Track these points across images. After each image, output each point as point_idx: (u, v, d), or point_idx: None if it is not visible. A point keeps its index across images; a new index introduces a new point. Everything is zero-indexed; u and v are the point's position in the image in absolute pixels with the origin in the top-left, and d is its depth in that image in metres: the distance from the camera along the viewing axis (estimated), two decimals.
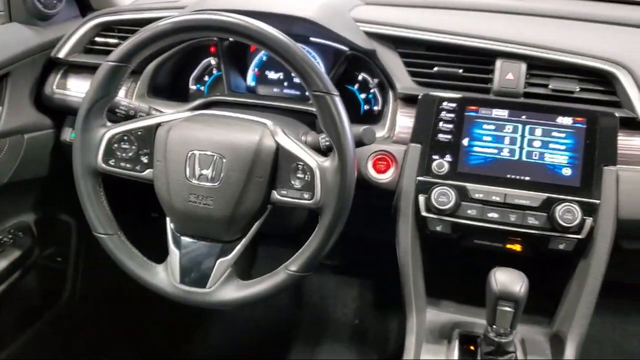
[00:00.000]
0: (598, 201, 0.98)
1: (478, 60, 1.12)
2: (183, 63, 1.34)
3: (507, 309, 0.90)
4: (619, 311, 1.85)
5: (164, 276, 1.00)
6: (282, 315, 1.97)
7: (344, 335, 1.91)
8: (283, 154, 0.94)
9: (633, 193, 1.00)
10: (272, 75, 1.32)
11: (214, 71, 1.33)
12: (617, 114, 1.02)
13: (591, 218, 0.98)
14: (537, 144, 1.02)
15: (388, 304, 1.92)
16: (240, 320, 1.95)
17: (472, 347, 1.03)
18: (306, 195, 0.93)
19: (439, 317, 1.10)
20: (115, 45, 1.13)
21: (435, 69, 1.12)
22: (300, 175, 0.93)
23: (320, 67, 1.21)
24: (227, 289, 0.98)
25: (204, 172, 0.94)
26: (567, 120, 1.02)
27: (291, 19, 1.11)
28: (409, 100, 1.12)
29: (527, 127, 1.03)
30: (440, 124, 1.06)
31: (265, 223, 0.99)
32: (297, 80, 1.30)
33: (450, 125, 1.06)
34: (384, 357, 1.82)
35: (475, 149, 1.04)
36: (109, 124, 1.01)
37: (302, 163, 0.93)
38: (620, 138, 1.02)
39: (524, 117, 1.04)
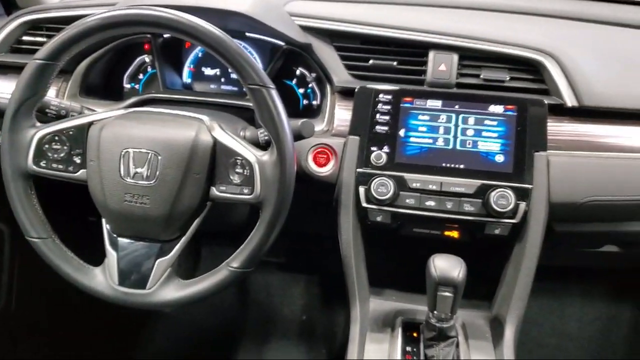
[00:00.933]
0: (530, 186, 1.01)
1: (412, 53, 1.13)
2: (116, 61, 1.30)
3: (447, 294, 0.92)
4: (556, 294, 1.92)
5: (102, 279, 0.98)
6: (228, 316, 1.95)
7: (291, 332, 1.91)
8: (221, 149, 0.93)
9: (563, 177, 1.03)
10: (208, 71, 1.30)
11: (149, 69, 1.31)
12: (546, 101, 1.06)
13: (524, 203, 1.01)
14: (470, 132, 1.05)
15: (335, 298, 1.93)
16: (185, 323, 1.92)
17: (415, 334, 1.04)
18: (246, 190, 0.92)
19: (382, 306, 1.11)
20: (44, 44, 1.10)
21: (371, 61, 1.13)
22: (239, 170, 0.92)
23: (257, 62, 1.20)
24: (167, 289, 0.96)
25: (139, 170, 0.92)
26: (498, 109, 1.05)
27: (226, 14, 1.09)
28: (347, 93, 1.13)
29: (461, 116, 1.06)
30: (377, 116, 1.07)
31: (205, 220, 0.98)
32: (234, 76, 1.29)
33: (387, 117, 1.07)
34: (333, 350, 1.83)
35: (412, 139, 1.06)
36: (38, 124, 0.98)
37: (240, 158, 0.92)
38: (549, 124, 1.05)
39: (457, 106, 1.06)
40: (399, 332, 1.04)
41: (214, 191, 0.94)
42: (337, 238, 1.12)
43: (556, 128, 1.07)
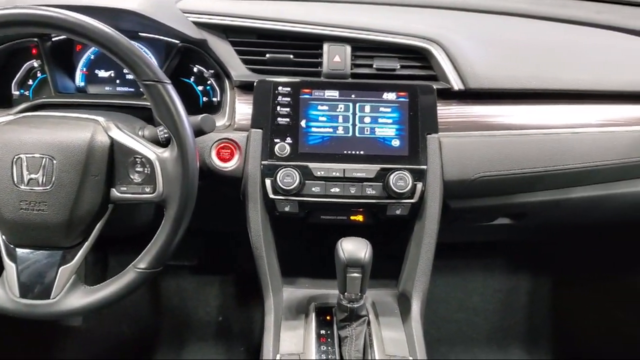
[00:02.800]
0: (425, 167, 1.07)
1: (307, 46, 1.16)
2: (2, 67, 1.24)
3: (356, 274, 0.95)
4: (459, 271, 2.03)
5: (2, 292, 0.93)
6: (142, 325, 1.91)
7: (208, 334, 1.89)
8: (119, 149, 0.91)
9: (454, 156, 1.10)
10: (102, 73, 1.26)
11: (39, 74, 1.25)
12: (434, 87, 1.12)
13: (421, 183, 1.07)
14: (367, 120, 1.09)
15: (251, 296, 1.93)
16: (98, 336, 1.86)
17: (328, 317, 1.07)
18: (148, 189, 0.91)
19: (295, 295, 1.13)
20: None
21: (268, 55, 1.15)
22: (139, 169, 0.91)
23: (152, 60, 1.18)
24: (73, 297, 0.93)
25: (34, 176, 0.88)
26: (391, 96, 1.10)
27: (116, 12, 1.07)
28: (246, 87, 1.14)
29: (357, 105, 1.10)
30: (278, 108, 1.09)
31: (108, 224, 0.96)
32: (129, 77, 1.26)
33: (287, 109, 1.09)
34: (251, 347, 1.84)
35: (313, 129, 1.09)
36: None
37: (139, 156, 0.91)
38: (439, 108, 1.12)
39: (353, 95, 1.11)
40: (313, 317, 1.07)
41: (115, 192, 0.92)
42: (247, 233, 1.13)
43: (446, 111, 1.13)
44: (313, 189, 1.06)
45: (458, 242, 1.74)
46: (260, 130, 1.09)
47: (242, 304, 1.93)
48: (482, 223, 1.32)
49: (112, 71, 1.27)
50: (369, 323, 1.04)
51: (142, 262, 0.93)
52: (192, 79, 1.25)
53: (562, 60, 1.22)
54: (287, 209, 1.07)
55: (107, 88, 1.27)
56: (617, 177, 1.22)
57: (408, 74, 1.15)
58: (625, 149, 1.17)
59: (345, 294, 0.98)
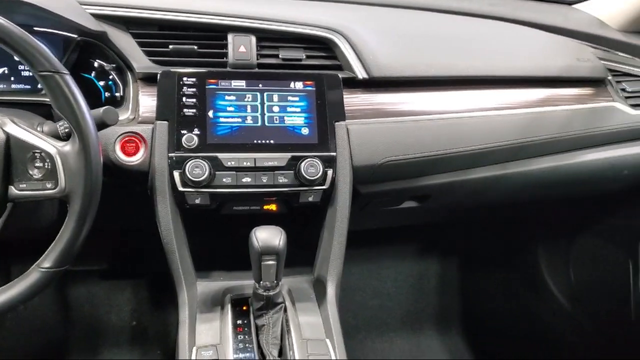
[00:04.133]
0: (334, 153, 1.09)
1: (211, 36, 1.16)
2: None
3: (270, 262, 0.96)
4: (373, 259, 2.09)
5: None
6: (52, 337, 1.82)
7: (123, 340, 1.83)
8: (15, 145, 0.87)
9: (362, 143, 1.13)
10: None
11: None
12: (340, 76, 1.15)
13: (331, 169, 1.09)
14: (276, 109, 1.10)
15: (165, 297, 1.89)
16: (7, 349, 1.75)
17: (244, 308, 1.07)
18: (49, 185, 0.87)
19: (210, 288, 1.12)
20: None
21: (171, 47, 1.13)
22: (38, 164, 0.87)
23: None
24: None
25: None
26: (298, 85, 1.12)
27: (7, 4, 1.02)
28: (150, 79, 1.11)
29: (265, 94, 1.11)
30: (184, 99, 1.08)
31: (9, 226, 0.91)
32: (25, 73, 1.19)
33: (194, 100, 1.08)
34: (168, 349, 1.80)
35: (221, 119, 1.08)
36: None
37: (38, 151, 0.86)
38: (346, 96, 1.15)
39: (260, 85, 1.11)
40: (229, 308, 1.06)
41: (13, 190, 0.87)
42: (158, 230, 1.11)
43: (352, 99, 1.16)
44: (224, 179, 1.05)
45: (370, 230, 1.78)
46: (165, 122, 1.06)
47: (156, 307, 1.88)
48: (391, 207, 1.37)
49: (6, 68, 1.19)
50: (285, 310, 1.05)
51: (46, 261, 0.88)
52: (92, 74, 1.20)
53: (458, 49, 1.30)
54: (197, 201, 1.06)
55: (1, 86, 1.20)
56: (510, 158, 1.30)
57: (314, 64, 1.17)
58: (517, 130, 1.25)
59: (261, 282, 0.99)
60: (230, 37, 1.15)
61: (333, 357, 0.99)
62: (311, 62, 1.17)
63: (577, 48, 1.43)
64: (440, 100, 1.22)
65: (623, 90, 1.39)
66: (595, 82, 1.38)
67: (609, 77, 1.39)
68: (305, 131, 1.10)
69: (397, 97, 1.20)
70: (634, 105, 1.37)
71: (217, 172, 1.05)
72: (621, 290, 1.63)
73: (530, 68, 1.31)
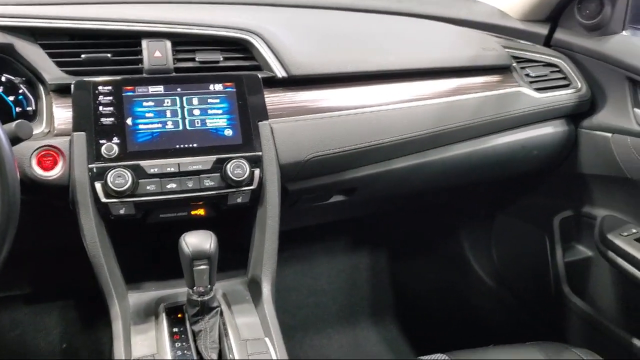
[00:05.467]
0: (260, 153, 1.10)
1: (125, 43, 1.13)
2: None
3: (203, 266, 0.95)
4: (306, 257, 2.11)
5: None
6: None
7: None
8: None
9: (287, 140, 1.14)
10: None
11: None
12: (259, 75, 1.15)
13: (258, 169, 1.09)
14: (196, 112, 1.09)
15: (96, 317, 1.83)
16: None
17: (179, 315, 1.06)
18: None
19: (142, 299, 1.10)
20: None
21: (83, 56, 1.10)
22: None
23: None
24: None
25: None
26: (218, 87, 1.12)
27: None
28: (64, 90, 1.07)
29: (184, 98, 1.09)
30: (100, 108, 1.05)
31: None
32: None
33: (111, 108, 1.05)
34: None
35: (141, 126, 1.06)
36: None
37: None
38: (267, 95, 1.15)
39: (179, 89, 1.10)
40: (163, 317, 1.04)
41: None
42: (84, 245, 1.07)
43: (274, 98, 1.17)
44: (148, 187, 1.03)
45: (301, 228, 1.80)
46: (83, 133, 1.03)
47: (87, 326, 1.82)
48: (320, 202, 1.39)
49: None
50: (221, 313, 1.05)
51: None
52: (0, 90, 1.15)
53: (372, 46, 1.34)
54: (122, 211, 1.03)
55: None
56: (429, 146, 1.35)
57: (232, 65, 1.17)
58: (433, 120, 1.31)
59: (194, 288, 0.98)
60: (144, 43, 1.13)
61: (273, 356, 1.00)
62: (229, 64, 1.17)
63: (482, 38, 1.50)
64: (360, 95, 1.26)
65: (527, 75, 1.48)
66: (501, 70, 1.46)
67: (514, 64, 1.47)
68: (228, 132, 1.10)
69: (318, 94, 1.22)
70: (538, 89, 1.46)
71: (140, 180, 1.03)
72: (540, 266, 1.73)
73: (440, 60, 1.37)
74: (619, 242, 1.39)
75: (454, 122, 1.34)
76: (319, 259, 2.13)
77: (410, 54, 1.34)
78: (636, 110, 1.39)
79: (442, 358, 1.23)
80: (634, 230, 1.41)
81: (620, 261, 1.37)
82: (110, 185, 1.00)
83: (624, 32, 1.46)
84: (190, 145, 1.07)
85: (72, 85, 1.05)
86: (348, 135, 1.21)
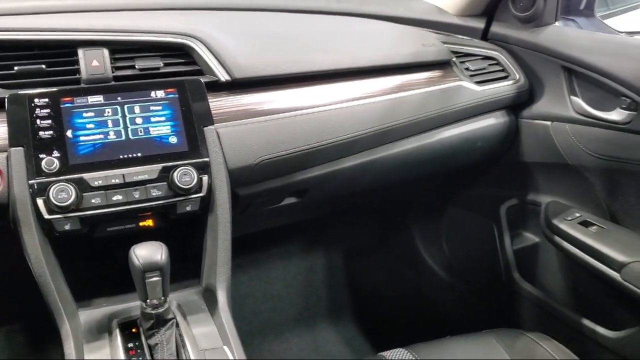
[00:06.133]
0: (207, 159, 1.08)
1: (60, 54, 1.10)
2: None
3: (155, 278, 0.93)
4: (261, 263, 2.09)
5: None
6: None
7: None
8: None
9: (234, 145, 1.13)
10: None
11: None
12: (202, 80, 1.13)
13: (207, 175, 1.07)
14: (139, 120, 1.07)
15: (46, 339, 1.76)
16: None
17: (134, 330, 1.03)
18: None
19: (93, 316, 1.06)
20: None
21: (16, 68, 1.06)
22: None
23: None
24: None
25: None
26: (160, 94, 1.09)
27: None
28: None
29: (126, 107, 1.06)
30: (38, 121, 1.01)
31: None
32: None
33: (49, 121, 1.01)
34: None
35: (82, 138, 1.02)
36: None
37: None
38: (211, 100, 1.13)
39: (119, 98, 1.07)
40: (117, 333, 1.01)
41: None
42: (28, 265, 1.03)
43: (219, 103, 1.16)
44: (93, 200, 1.00)
45: (255, 233, 1.78)
46: (21, 148, 0.99)
47: (36, 350, 1.75)
48: (272, 206, 1.38)
49: None
50: (177, 325, 1.02)
51: None
52: None
53: (315, 46, 1.34)
54: (67, 227, 1.00)
55: None
56: (377, 143, 1.36)
57: (173, 71, 1.15)
58: (380, 117, 1.32)
59: (148, 300, 0.95)
60: (80, 52, 1.09)
61: None
62: (170, 70, 1.15)
63: (421, 35, 1.53)
64: (306, 95, 1.25)
65: (467, 69, 1.51)
66: (442, 65, 1.48)
67: (454, 59, 1.50)
68: (173, 140, 1.07)
69: (264, 96, 1.21)
70: (478, 82, 1.50)
71: (84, 194, 0.99)
72: (490, 254, 1.77)
73: (383, 57, 1.38)
74: (563, 226, 1.43)
75: (400, 118, 1.35)
76: (273, 264, 2.11)
77: (353, 53, 1.34)
78: (573, 97, 1.44)
79: (402, 352, 1.24)
80: (577, 214, 1.46)
81: (566, 245, 1.42)
82: (53, 200, 0.96)
83: (556, 23, 1.52)
84: (135, 155, 1.04)
85: (6, 99, 1.01)
86: (296, 137, 1.20)
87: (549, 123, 1.50)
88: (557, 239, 1.45)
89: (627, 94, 1.30)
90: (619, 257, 1.29)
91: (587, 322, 1.48)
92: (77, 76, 1.09)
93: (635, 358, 1.36)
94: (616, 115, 1.34)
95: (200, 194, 1.07)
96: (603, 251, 1.32)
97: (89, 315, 1.06)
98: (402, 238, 2.11)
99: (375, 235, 2.20)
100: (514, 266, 1.71)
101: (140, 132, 1.06)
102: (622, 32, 1.52)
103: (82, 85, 1.08)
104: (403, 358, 1.23)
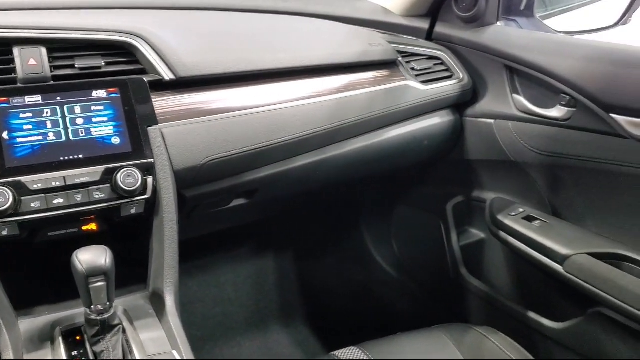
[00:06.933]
0: (152, 160, 1.05)
1: None
2: None
3: (99, 283, 0.89)
4: (210, 267, 2.06)
5: None
6: None
7: None
8: None
9: (180, 145, 1.10)
10: None
11: None
12: (146, 79, 1.11)
13: (151, 177, 1.04)
14: (80, 121, 1.03)
15: None
16: None
17: (78, 337, 0.99)
18: None
19: (35, 325, 1.01)
20: None
21: None
22: None
23: None
24: None
25: None
26: (101, 93, 1.06)
27: None
28: None
29: (66, 107, 1.02)
30: None
31: None
32: None
33: None
34: None
35: (19, 139, 0.98)
36: None
37: None
38: (155, 100, 1.11)
39: (58, 98, 1.03)
40: (60, 342, 0.97)
41: None
42: None
43: (163, 102, 1.13)
44: (32, 204, 0.96)
45: (204, 237, 1.76)
46: None
47: None
48: (220, 207, 1.36)
49: None
50: (124, 331, 0.99)
51: None
52: None
53: (262, 45, 1.33)
54: (4, 232, 0.95)
55: None
56: (327, 142, 1.36)
57: (116, 70, 1.11)
58: (329, 116, 1.32)
59: (92, 307, 0.92)
60: (16, 50, 1.05)
61: None
62: (112, 69, 1.11)
63: (368, 35, 1.54)
64: (253, 94, 1.24)
65: (413, 69, 1.53)
66: (388, 65, 1.50)
67: (400, 59, 1.52)
68: (116, 140, 1.04)
69: (210, 95, 1.19)
70: (424, 82, 1.52)
71: (22, 198, 0.95)
72: (438, 251, 1.80)
73: (330, 57, 1.38)
74: (508, 221, 1.47)
75: (348, 117, 1.36)
76: (223, 268, 2.09)
77: (300, 52, 1.34)
78: (515, 96, 1.48)
79: (353, 351, 1.25)
80: (521, 210, 1.50)
81: (511, 240, 1.46)
82: None
83: (498, 23, 1.56)
84: (76, 157, 1.01)
85: None
86: (244, 136, 1.19)
87: (492, 121, 1.54)
88: (502, 234, 1.48)
89: (567, 91, 1.34)
90: (562, 250, 1.33)
91: (532, 315, 1.53)
92: (13, 76, 1.04)
93: (579, 347, 1.41)
94: (556, 112, 1.38)
95: (145, 196, 1.04)
96: (546, 245, 1.36)
97: (30, 324, 1.02)
98: (353, 238, 2.12)
99: (326, 236, 2.20)
100: (461, 262, 1.75)
101: (82, 133, 1.02)
102: (560, 32, 1.57)
103: (19, 85, 1.03)
104: (355, 357, 1.23)
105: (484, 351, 1.28)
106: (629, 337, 1.28)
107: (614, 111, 1.26)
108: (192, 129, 1.13)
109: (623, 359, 1.31)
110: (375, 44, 1.48)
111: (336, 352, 1.25)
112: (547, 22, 1.65)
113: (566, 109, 1.36)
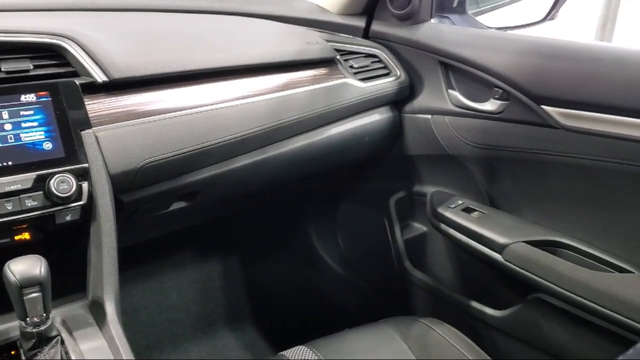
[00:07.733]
0: (86, 165, 1.02)
1: None
2: None
3: (34, 294, 0.86)
4: (154, 274, 2.02)
5: None
6: None
7: None
8: None
9: (115, 149, 1.07)
10: None
11: None
12: (77, 82, 1.07)
13: (86, 182, 1.01)
14: (8, 127, 0.99)
15: None
16: None
17: (13, 352, 0.95)
18: None
19: None
20: None
21: None
22: None
23: None
24: None
25: None
26: (31, 97, 1.02)
27: None
28: None
29: None
30: None
31: None
32: None
33: None
34: None
35: None
36: None
37: None
38: (88, 103, 1.07)
39: None
40: None
41: None
42: None
43: (96, 105, 1.09)
44: None
45: (145, 242, 1.71)
46: None
47: None
48: (160, 211, 1.33)
49: None
50: (63, 342, 0.96)
51: None
52: None
53: (198, 45, 1.31)
54: None
55: None
56: (267, 142, 1.35)
57: (45, 74, 1.07)
58: (268, 115, 1.31)
59: (28, 319, 0.88)
60: None
61: None
62: (42, 72, 1.07)
63: (305, 33, 1.54)
64: (190, 95, 1.22)
65: (351, 67, 1.55)
66: (327, 63, 1.51)
67: (338, 57, 1.53)
68: (48, 146, 1.00)
69: (145, 97, 1.16)
70: (362, 79, 1.54)
71: None
72: (382, 246, 1.82)
73: (267, 55, 1.38)
74: (448, 214, 1.51)
75: (288, 116, 1.36)
76: (167, 273, 2.05)
77: (238, 51, 1.33)
78: (450, 91, 1.52)
79: (301, 350, 1.25)
80: (460, 202, 1.54)
81: (452, 231, 1.49)
82: None
83: (432, 20, 1.60)
84: (5, 164, 0.96)
85: None
86: (182, 138, 1.16)
87: (429, 116, 1.57)
88: (443, 226, 1.52)
89: (499, 85, 1.38)
90: (500, 239, 1.37)
91: (475, 304, 1.57)
92: None
93: (520, 334, 1.46)
94: (490, 105, 1.42)
95: (81, 202, 1.01)
96: (485, 235, 1.40)
97: None
98: (299, 236, 2.12)
99: (271, 236, 2.20)
100: (405, 256, 1.77)
101: (10, 139, 0.98)
102: (492, 28, 1.62)
103: None
104: (303, 356, 1.23)
105: (429, 342, 1.31)
106: (567, 321, 1.33)
107: (544, 102, 1.31)
108: (127, 131, 1.10)
109: (562, 341, 1.36)
110: (313, 43, 1.49)
111: (285, 352, 1.25)
112: (478, 18, 1.70)
113: (499, 102, 1.40)
